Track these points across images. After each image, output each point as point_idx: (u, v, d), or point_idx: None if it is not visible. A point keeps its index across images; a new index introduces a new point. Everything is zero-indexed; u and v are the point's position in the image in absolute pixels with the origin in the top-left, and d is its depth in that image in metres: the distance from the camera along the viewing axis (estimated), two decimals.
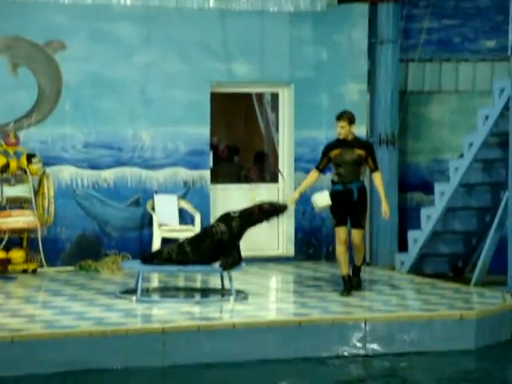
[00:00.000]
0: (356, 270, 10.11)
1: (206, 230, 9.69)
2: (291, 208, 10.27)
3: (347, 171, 9.89)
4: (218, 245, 9.49)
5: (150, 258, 9.67)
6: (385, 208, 9.94)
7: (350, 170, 9.89)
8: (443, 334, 8.89)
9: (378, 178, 9.98)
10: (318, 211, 10.27)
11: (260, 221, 9.65)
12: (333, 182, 10.01)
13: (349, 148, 9.90)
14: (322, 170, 10.02)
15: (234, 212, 9.61)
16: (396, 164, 12.19)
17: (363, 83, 12.18)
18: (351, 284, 9.96)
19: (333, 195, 9.88)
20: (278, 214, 9.73)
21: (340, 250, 9.92)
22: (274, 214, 9.69)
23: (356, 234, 9.93)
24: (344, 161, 9.88)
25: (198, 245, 9.54)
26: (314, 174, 10.06)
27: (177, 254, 9.53)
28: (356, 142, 9.98)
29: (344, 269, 9.95)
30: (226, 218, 9.58)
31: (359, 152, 9.91)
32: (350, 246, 9.99)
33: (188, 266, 9.54)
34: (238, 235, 9.56)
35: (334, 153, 9.91)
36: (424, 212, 11.42)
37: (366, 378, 8.23)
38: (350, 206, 9.91)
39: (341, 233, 9.91)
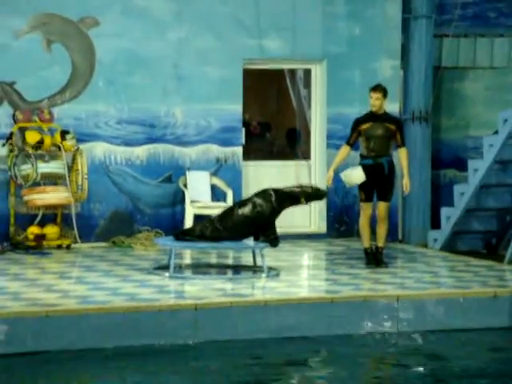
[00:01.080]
0: (380, 254, 10.11)
1: (242, 204, 9.67)
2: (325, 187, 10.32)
3: (378, 145, 9.92)
4: (255, 220, 9.48)
5: (182, 235, 9.71)
6: (406, 182, 10.01)
7: (381, 144, 9.93)
8: (476, 311, 8.85)
9: (404, 153, 10.05)
10: (349, 186, 10.29)
11: (299, 203, 9.68)
12: (362, 157, 10.04)
13: (380, 122, 9.95)
14: (352, 144, 10.08)
15: (275, 189, 9.60)
16: (429, 141, 12.12)
17: (397, 59, 12.09)
18: (374, 255, 10.03)
19: (363, 169, 9.94)
20: (318, 199, 9.78)
21: (364, 223, 10.03)
22: (314, 199, 9.75)
23: (383, 206, 10.01)
24: (375, 135, 9.91)
25: (233, 219, 9.51)
26: (345, 150, 10.09)
27: (210, 230, 9.54)
28: (387, 117, 10.04)
29: (367, 242, 10.07)
30: (265, 193, 9.58)
31: (390, 126, 9.97)
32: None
33: (221, 242, 9.56)
34: (276, 213, 9.57)
35: (365, 126, 9.94)
36: (457, 189, 11.35)
37: (397, 355, 8.23)
38: (380, 180, 9.94)
39: (367, 208, 10.02)
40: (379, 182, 9.98)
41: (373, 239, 10.20)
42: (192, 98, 11.63)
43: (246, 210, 9.52)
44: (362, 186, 10.00)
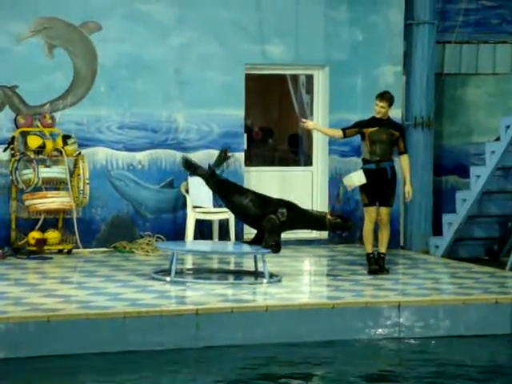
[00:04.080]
0: (381, 260, 10.11)
1: (261, 199, 9.70)
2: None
3: (382, 150, 9.99)
4: (267, 219, 9.51)
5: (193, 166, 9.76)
6: (408, 189, 10.06)
7: (385, 149, 10.01)
8: (478, 318, 8.84)
9: (406, 160, 10.11)
10: (350, 189, 10.34)
11: (323, 229, 10.07)
12: (365, 161, 10.07)
13: (385, 127, 10.01)
14: (346, 135, 10.10)
15: (296, 207, 9.68)
16: (431, 147, 12.12)
17: (399, 65, 12.09)
18: (377, 261, 10.04)
19: (366, 174, 9.96)
20: (344, 230, 9.92)
21: (369, 228, 10.05)
22: (340, 229, 9.88)
23: (385, 211, 10.04)
24: (381, 139, 9.98)
25: (243, 203, 9.61)
26: (338, 131, 10.18)
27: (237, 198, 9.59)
28: (391, 123, 10.14)
29: (370, 247, 10.10)
30: (280, 205, 9.64)
31: (394, 132, 10.05)
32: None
33: (222, 247, 9.57)
34: (287, 227, 9.66)
35: (371, 130, 9.99)
36: (459, 195, 11.35)
37: (398, 361, 8.22)
38: (383, 184, 9.97)
39: (372, 212, 10.03)
40: (381, 186, 10.00)
41: (374, 245, 10.20)
42: (194, 103, 11.62)
43: (256, 204, 9.58)
44: (364, 190, 10.02)
